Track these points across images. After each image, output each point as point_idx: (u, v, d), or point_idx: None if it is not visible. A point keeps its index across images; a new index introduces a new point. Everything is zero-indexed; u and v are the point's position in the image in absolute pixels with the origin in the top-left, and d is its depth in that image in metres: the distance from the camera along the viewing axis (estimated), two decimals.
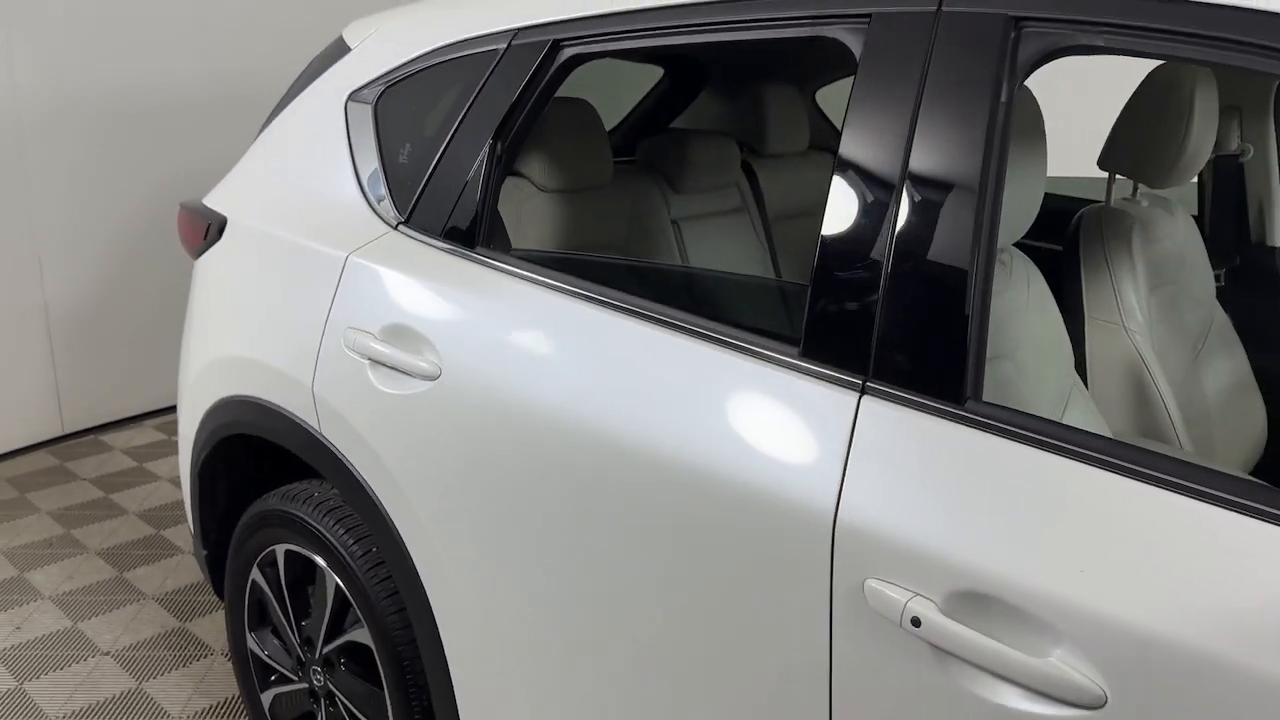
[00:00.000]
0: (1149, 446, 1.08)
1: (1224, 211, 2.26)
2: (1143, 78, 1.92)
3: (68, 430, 4.12)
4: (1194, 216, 2.33)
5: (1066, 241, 1.98)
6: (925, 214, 1.18)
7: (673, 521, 1.31)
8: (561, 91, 1.71)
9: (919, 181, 1.19)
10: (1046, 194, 1.55)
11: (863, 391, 1.19)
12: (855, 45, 1.27)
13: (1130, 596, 0.96)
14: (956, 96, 1.17)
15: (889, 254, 1.19)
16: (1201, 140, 1.88)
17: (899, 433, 1.14)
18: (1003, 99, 1.15)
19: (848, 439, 1.17)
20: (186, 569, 3.13)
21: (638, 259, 2.33)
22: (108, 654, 2.71)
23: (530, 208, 2.12)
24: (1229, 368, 2.19)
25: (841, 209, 1.25)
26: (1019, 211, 1.49)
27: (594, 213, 2.24)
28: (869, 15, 1.26)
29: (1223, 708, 0.90)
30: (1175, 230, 2.11)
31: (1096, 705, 0.97)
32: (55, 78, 3.82)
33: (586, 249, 2.20)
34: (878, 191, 1.22)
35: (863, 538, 1.12)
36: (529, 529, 1.50)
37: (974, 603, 1.04)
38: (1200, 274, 2.16)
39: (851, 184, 1.24)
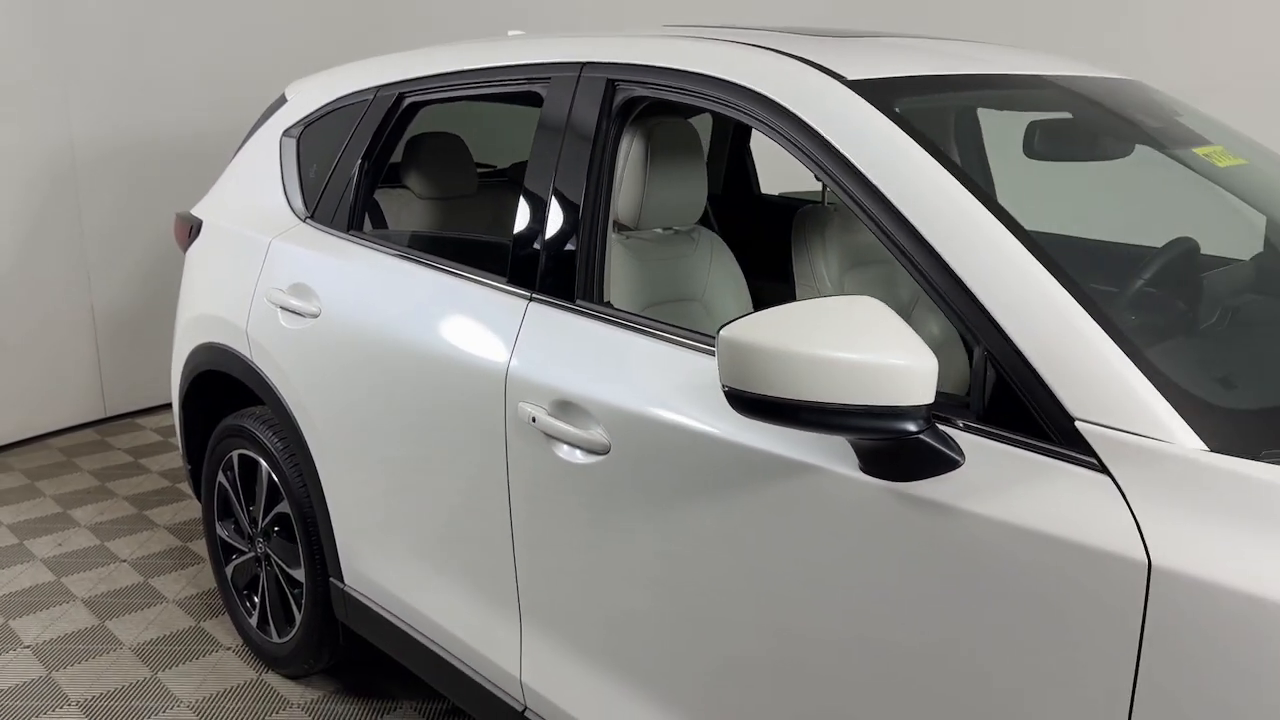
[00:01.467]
0: (658, 321, 1.82)
1: None
2: None
3: (109, 414, 5.02)
4: None
5: (792, 231, 2.75)
6: (564, 201, 1.98)
7: (439, 388, 2.11)
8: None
9: (563, 180, 1.99)
10: (794, 196, 2.32)
11: (530, 300, 1.99)
12: (543, 93, 2.09)
13: (624, 394, 1.74)
14: (584, 126, 1.98)
15: (546, 226, 2.00)
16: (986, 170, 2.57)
17: (542, 320, 1.94)
18: (606, 128, 1.95)
19: (519, 326, 1.97)
20: (193, 510, 3.97)
21: (438, 232, 3.05)
22: (124, 560, 3.56)
23: (410, 210, 2.96)
24: (938, 326, 2.93)
25: (526, 199, 2.06)
26: (689, 204, 2.28)
27: (463, 214, 3.07)
28: (550, 76, 2.08)
29: (670, 450, 1.67)
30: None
31: (606, 450, 1.75)
32: (103, 125, 4.77)
33: (453, 240, 3.02)
34: (540, 187, 2.03)
35: (518, 380, 1.92)
36: (373, 413, 2.31)
37: (562, 407, 1.83)
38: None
39: (532, 182, 2.05)
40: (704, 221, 2.51)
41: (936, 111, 2.21)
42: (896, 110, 1.60)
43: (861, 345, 1.28)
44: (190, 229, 3.03)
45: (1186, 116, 2.11)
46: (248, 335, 2.64)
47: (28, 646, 3.04)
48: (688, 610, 1.68)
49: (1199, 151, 1.91)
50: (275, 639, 2.85)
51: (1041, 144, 2.05)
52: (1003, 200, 1.48)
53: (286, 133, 2.82)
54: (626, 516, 1.74)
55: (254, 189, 2.87)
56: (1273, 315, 1.91)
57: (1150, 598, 1.15)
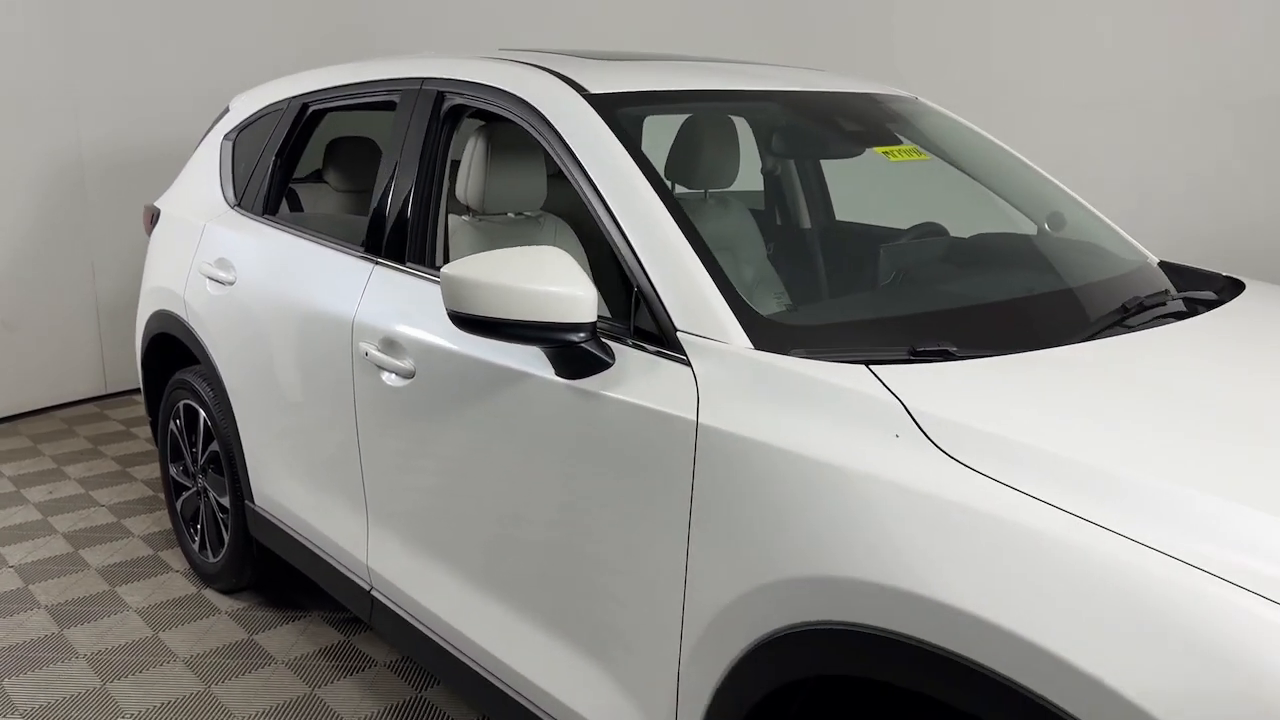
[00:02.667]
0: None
1: (776, 205, 3.51)
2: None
3: (109, 390, 5.65)
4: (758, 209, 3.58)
5: None
6: (402, 187, 2.53)
7: (311, 337, 2.66)
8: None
9: (402, 170, 2.54)
10: None
11: (375, 264, 2.53)
12: (396, 102, 2.64)
13: (424, 332, 2.27)
14: (420, 128, 2.53)
15: (388, 206, 2.54)
16: (722, 165, 3.06)
17: (382, 279, 2.48)
18: (436, 130, 2.49)
19: (365, 284, 2.51)
20: None
21: (325, 214, 3.58)
22: (103, 505, 4.15)
23: (327, 200, 3.54)
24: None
25: (378, 186, 2.61)
26: (529, 192, 2.80)
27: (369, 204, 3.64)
28: (400, 89, 2.63)
29: (448, 370, 2.19)
30: (728, 215, 3.37)
31: (413, 375, 2.28)
32: (109, 134, 5.41)
33: (335, 220, 3.56)
34: (387, 176, 2.57)
35: (360, 325, 2.46)
36: (269, 361, 2.86)
37: (387, 343, 2.37)
38: (752, 243, 3.42)
39: (383, 172, 2.60)
40: None
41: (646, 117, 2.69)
42: (615, 116, 2.13)
43: (543, 280, 1.81)
44: (152, 217, 3.62)
45: (912, 124, 2.62)
46: (185, 301, 3.22)
47: (12, 567, 3.62)
48: (465, 494, 2.21)
49: (878, 150, 2.42)
50: (210, 559, 3.41)
51: (776, 145, 2.56)
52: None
53: (225, 137, 3.40)
54: (426, 425, 2.28)
55: (199, 183, 3.45)
56: (848, 261, 2.44)
57: (699, 445, 1.67)
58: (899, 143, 2.47)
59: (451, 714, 2.76)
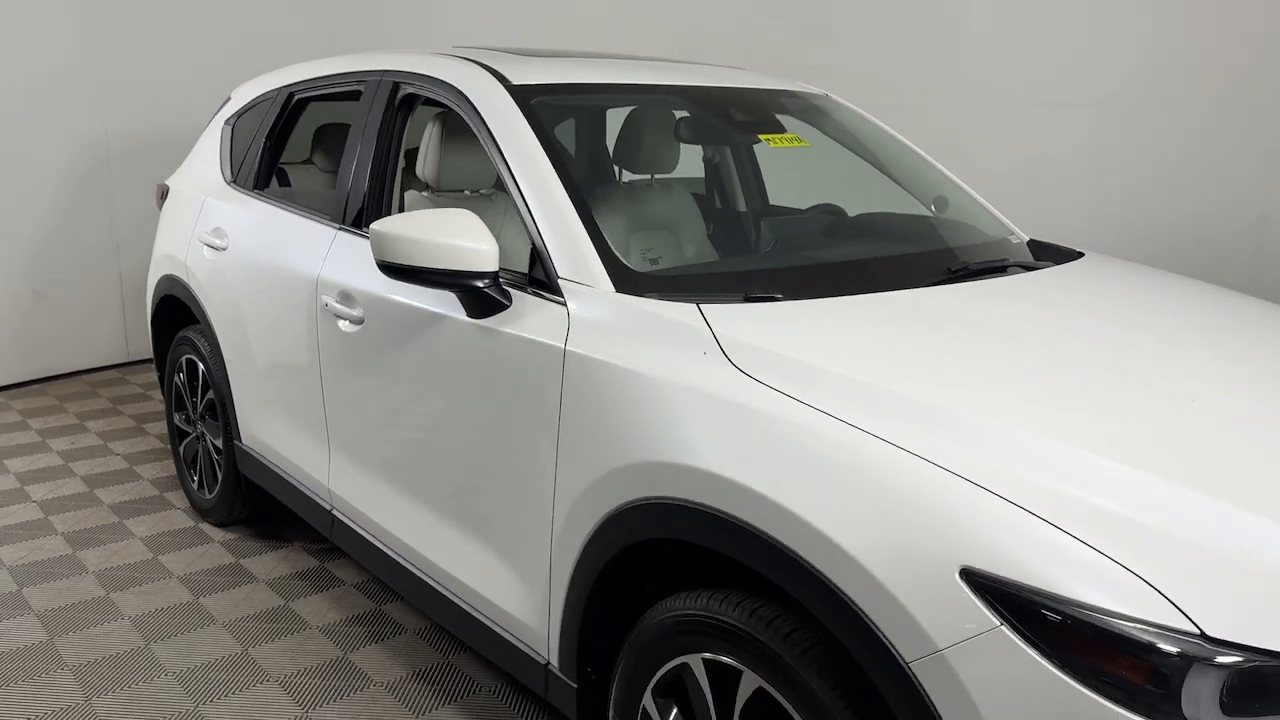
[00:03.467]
0: None
1: (715, 189, 3.90)
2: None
3: (130, 358, 6.14)
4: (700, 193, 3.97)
5: None
6: (363, 164, 2.95)
7: (285, 292, 3.09)
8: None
9: (363, 149, 2.96)
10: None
11: (339, 229, 2.96)
12: (361, 91, 3.06)
13: (372, 284, 2.69)
14: (378, 114, 2.95)
15: (350, 179, 2.97)
16: (661, 153, 3.44)
17: (343, 242, 2.90)
18: (392, 115, 2.91)
19: (330, 247, 2.93)
20: None
21: (304, 189, 4.02)
22: (119, 455, 4.62)
23: (314, 180, 3.97)
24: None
25: (344, 162, 3.03)
26: (478, 171, 3.22)
27: None
28: (366, 81, 3.06)
29: (389, 316, 2.61)
30: (670, 197, 3.77)
31: (363, 321, 2.70)
32: (133, 122, 5.89)
33: (311, 193, 4.00)
34: (351, 154, 2.99)
35: (323, 281, 2.89)
36: (257, 315, 3.30)
37: (343, 295, 2.80)
38: (693, 223, 3.81)
39: (348, 151, 3.02)
40: None
41: (562, 105, 3.07)
42: (530, 103, 2.53)
43: (454, 236, 2.22)
44: (163, 193, 4.08)
45: (829, 117, 3.02)
46: (187, 266, 3.67)
47: (35, 502, 4.09)
48: (400, 420, 2.62)
49: (761, 136, 2.82)
50: (206, 495, 3.86)
51: (683, 132, 2.96)
52: None
53: (226, 122, 3.85)
54: (372, 363, 2.70)
55: (203, 163, 3.90)
56: (735, 231, 2.84)
57: (565, 367, 2.07)
58: (783, 131, 2.86)
59: (408, 625, 3.18)
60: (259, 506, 3.74)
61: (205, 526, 3.89)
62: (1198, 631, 1.31)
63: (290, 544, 3.74)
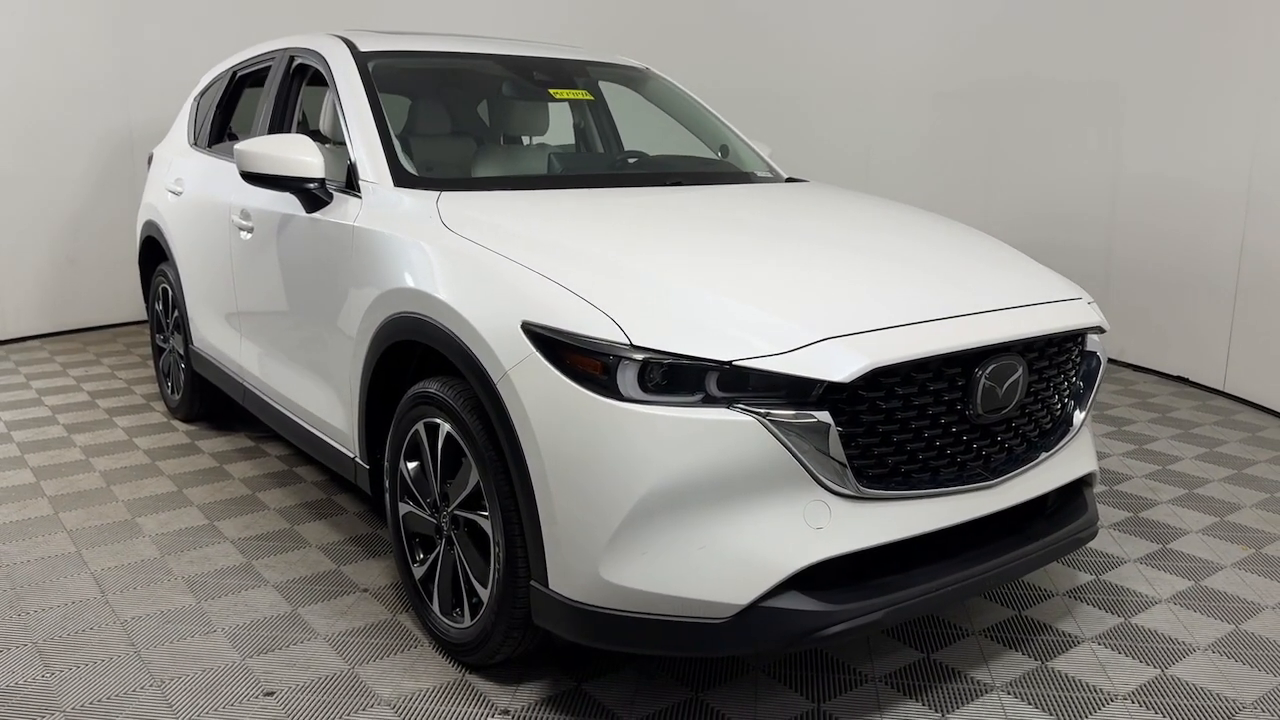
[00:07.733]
0: None
1: (582, 143, 4.77)
2: None
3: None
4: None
5: None
6: (266, 119, 3.90)
7: (212, 218, 4.03)
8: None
9: (266, 110, 3.90)
10: None
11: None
12: (270, 66, 4.02)
13: (260, 201, 3.62)
14: (277, 82, 3.89)
15: (257, 133, 3.92)
16: (530, 120, 4.33)
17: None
18: (288, 83, 3.86)
19: (240, 179, 3.89)
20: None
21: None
22: (122, 380, 5.65)
23: None
24: None
25: (256, 121, 3.98)
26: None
27: None
28: (275, 56, 4.01)
29: (266, 221, 3.54)
30: (525, 152, 4.63)
31: (253, 230, 3.64)
32: (154, 115, 6.97)
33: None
34: (260, 114, 3.95)
35: (232, 206, 3.84)
36: (198, 238, 4.26)
37: (243, 213, 3.73)
38: (492, 157, 4.70)
39: (260, 113, 3.98)
40: None
41: (398, 69, 3.78)
42: (368, 67, 3.45)
43: (292, 152, 3.13)
44: (150, 159, 5.10)
45: (646, 84, 3.91)
46: (159, 211, 4.66)
47: (60, 424, 5.12)
48: (273, 298, 3.54)
49: (552, 91, 3.71)
50: (174, 396, 4.85)
51: (501, 90, 3.86)
52: None
53: (194, 98, 4.86)
54: (259, 260, 3.63)
55: (176, 132, 4.91)
56: (523, 160, 3.72)
57: (354, 238, 2.97)
58: (574, 88, 3.74)
59: (306, 477, 4.10)
60: (212, 402, 4.70)
61: (175, 423, 4.87)
62: (628, 342, 2.15)
63: (237, 432, 4.70)
